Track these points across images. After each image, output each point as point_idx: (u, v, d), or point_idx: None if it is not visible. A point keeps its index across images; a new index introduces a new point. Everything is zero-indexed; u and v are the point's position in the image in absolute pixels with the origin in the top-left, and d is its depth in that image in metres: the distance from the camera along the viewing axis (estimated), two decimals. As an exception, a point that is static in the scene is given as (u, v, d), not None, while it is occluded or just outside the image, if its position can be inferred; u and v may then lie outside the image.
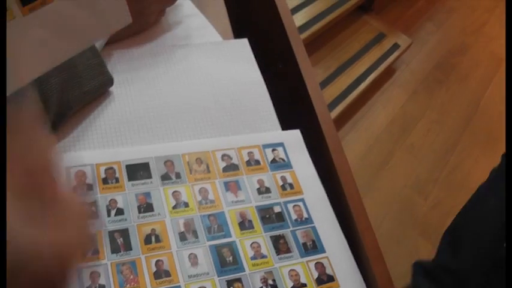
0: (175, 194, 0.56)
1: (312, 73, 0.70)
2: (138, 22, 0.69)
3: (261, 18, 0.85)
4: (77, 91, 0.57)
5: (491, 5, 3.49)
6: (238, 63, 0.72)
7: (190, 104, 0.66)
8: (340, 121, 2.22)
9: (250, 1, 0.89)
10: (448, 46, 2.99)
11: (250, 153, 0.62)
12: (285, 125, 0.68)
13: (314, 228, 0.58)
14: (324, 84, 2.19)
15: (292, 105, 0.76)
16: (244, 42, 0.75)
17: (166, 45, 0.72)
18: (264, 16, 0.83)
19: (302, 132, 0.67)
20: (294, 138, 0.66)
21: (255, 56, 0.75)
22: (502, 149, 1.87)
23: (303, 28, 2.16)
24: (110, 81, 0.62)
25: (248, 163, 0.62)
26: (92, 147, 0.59)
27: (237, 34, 0.77)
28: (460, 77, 2.82)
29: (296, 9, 2.24)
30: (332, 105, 2.10)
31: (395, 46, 2.51)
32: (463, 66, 2.89)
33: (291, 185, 0.61)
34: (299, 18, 2.19)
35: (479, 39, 3.15)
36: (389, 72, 2.56)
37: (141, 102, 0.64)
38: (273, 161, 0.63)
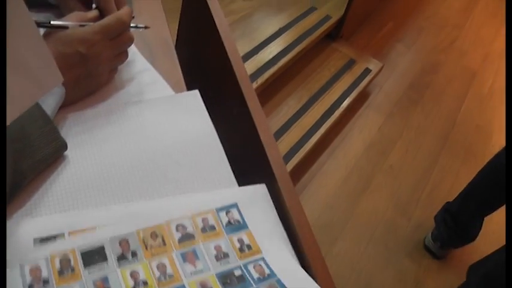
0: (133, 274, 0.55)
1: (264, 121, 0.71)
2: (89, 84, 0.71)
3: (212, 67, 0.87)
4: (30, 160, 0.58)
5: (460, 21, 3.57)
6: (190, 115, 0.73)
7: (142, 161, 0.67)
8: (318, 150, 2.23)
9: (201, 51, 0.91)
10: (420, 65, 3.04)
11: (204, 220, 0.62)
12: (240, 172, 0.69)
13: (279, 281, 0.57)
14: (299, 114, 2.21)
15: (247, 151, 0.77)
16: (195, 94, 0.76)
17: (120, 103, 0.73)
18: (216, 64, 0.85)
19: (256, 181, 0.67)
20: (248, 195, 0.66)
21: (210, 103, 0.76)
22: (481, 162, 1.90)
23: (273, 61, 2.19)
24: (64, 146, 0.63)
25: (203, 230, 0.61)
26: (49, 213, 0.59)
27: (191, 84, 0.79)
28: (434, 94, 2.86)
29: (265, 43, 2.27)
30: (308, 135, 2.11)
31: (367, 71, 2.55)
32: (436, 84, 2.94)
33: (248, 246, 0.60)
34: (268, 52, 2.22)
35: (451, 55, 3.21)
36: (363, 97, 2.60)
37: (94, 164, 0.65)
38: (228, 223, 0.62)
